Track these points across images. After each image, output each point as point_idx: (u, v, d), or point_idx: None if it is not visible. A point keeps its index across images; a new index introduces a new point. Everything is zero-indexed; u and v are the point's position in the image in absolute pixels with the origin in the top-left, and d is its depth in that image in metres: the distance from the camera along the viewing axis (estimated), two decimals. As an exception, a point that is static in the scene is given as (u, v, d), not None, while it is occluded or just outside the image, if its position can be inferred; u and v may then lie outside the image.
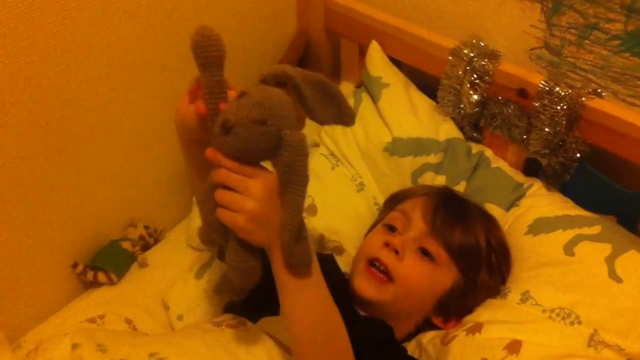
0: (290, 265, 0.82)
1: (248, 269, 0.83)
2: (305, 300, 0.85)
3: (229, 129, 0.77)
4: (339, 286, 1.07)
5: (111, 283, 1.26)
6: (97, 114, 1.17)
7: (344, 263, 1.19)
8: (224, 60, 0.81)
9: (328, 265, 1.14)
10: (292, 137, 0.77)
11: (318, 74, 0.83)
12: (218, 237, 0.85)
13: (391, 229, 1.11)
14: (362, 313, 1.07)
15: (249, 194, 0.79)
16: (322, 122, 0.87)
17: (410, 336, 1.12)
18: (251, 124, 0.77)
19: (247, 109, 0.77)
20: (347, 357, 0.89)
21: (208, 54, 0.79)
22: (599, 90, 1.15)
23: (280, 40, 1.49)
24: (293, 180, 0.79)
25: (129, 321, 1.18)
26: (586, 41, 1.14)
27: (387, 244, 1.06)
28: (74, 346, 0.96)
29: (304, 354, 0.87)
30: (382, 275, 1.05)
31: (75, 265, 1.24)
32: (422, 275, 1.05)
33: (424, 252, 1.06)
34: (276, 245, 0.82)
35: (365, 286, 1.05)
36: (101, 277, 1.25)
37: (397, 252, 1.05)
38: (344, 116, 0.87)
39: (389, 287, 1.04)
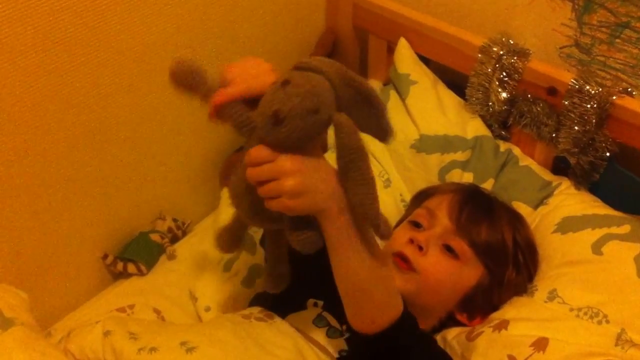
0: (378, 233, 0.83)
1: (307, 237, 0.84)
2: (356, 257, 0.84)
3: (282, 120, 0.77)
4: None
5: (140, 274, 1.27)
6: (128, 108, 1.19)
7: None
8: (202, 80, 0.85)
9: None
10: (342, 119, 0.77)
11: (364, 79, 0.81)
12: (270, 224, 0.88)
13: (416, 225, 1.11)
14: None
15: (282, 175, 0.79)
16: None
17: (434, 332, 1.12)
18: (306, 114, 0.76)
19: (298, 99, 0.76)
20: (396, 300, 0.89)
21: (187, 86, 0.85)
22: (629, 89, 1.14)
23: (309, 37, 1.49)
24: (355, 159, 0.79)
25: (157, 311, 1.20)
26: (617, 40, 1.14)
27: (411, 240, 1.07)
28: (106, 333, 0.97)
29: (354, 304, 0.88)
30: (406, 264, 1.05)
31: (105, 257, 1.26)
32: (445, 271, 1.06)
33: (448, 249, 1.06)
34: (328, 209, 0.81)
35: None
36: (131, 268, 1.26)
37: (421, 248, 1.06)
38: (381, 130, 0.84)
39: (413, 276, 1.04)
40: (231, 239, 0.98)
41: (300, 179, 0.79)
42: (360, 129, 0.82)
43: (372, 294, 0.86)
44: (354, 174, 0.79)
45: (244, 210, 0.88)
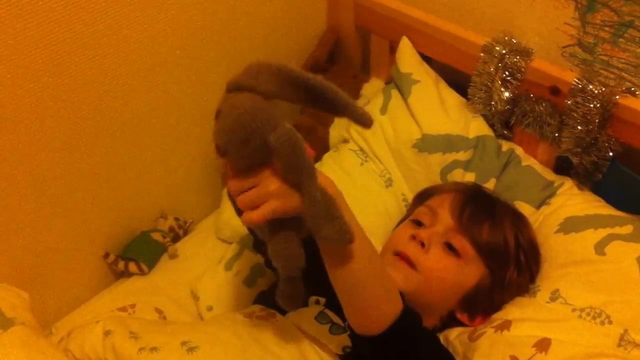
0: (327, 246, 0.82)
1: (291, 254, 0.82)
2: (349, 253, 0.83)
3: (224, 153, 0.77)
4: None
5: (142, 273, 1.27)
6: (130, 106, 1.19)
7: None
8: None
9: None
10: (277, 140, 0.75)
11: (311, 75, 0.76)
12: (262, 236, 0.86)
13: (418, 223, 1.11)
14: None
15: (264, 179, 0.78)
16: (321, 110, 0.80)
17: (435, 331, 1.11)
18: (239, 145, 0.76)
19: (226, 135, 0.76)
20: (395, 297, 0.88)
21: None
22: (632, 89, 1.14)
23: (310, 36, 1.49)
24: (301, 180, 0.77)
25: (159, 311, 1.20)
26: (620, 39, 1.13)
27: (413, 237, 1.06)
28: (106, 333, 0.97)
29: (354, 304, 0.87)
30: (407, 264, 1.05)
31: (106, 256, 1.26)
32: (446, 269, 1.05)
33: (450, 247, 1.06)
34: None
35: (392, 275, 1.05)
36: (132, 267, 1.26)
37: (423, 245, 1.05)
38: (355, 119, 0.79)
39: (414, 275, 1.04)
40: None
41: (282, 180, 0.78)
42: (337, 116, 0.80)
43: (370, 288, 0.85)
44: (304, 190, 0.78)
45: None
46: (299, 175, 0.77)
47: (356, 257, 0.82)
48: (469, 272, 1.07)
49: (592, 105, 1.12)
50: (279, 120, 0.77)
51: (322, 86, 0.76)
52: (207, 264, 1.27)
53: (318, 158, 1.36)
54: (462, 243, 1.06)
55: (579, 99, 1.13)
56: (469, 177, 1.26)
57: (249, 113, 0.75)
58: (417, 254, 1.05)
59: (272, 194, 0.78)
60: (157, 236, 1.31)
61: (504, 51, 1.22)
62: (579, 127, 1.14)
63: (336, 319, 1.03)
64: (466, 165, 1.27)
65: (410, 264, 1.04)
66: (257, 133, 0.75)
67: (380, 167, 1.32)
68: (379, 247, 1.21)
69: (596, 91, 1.11)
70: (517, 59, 1.20)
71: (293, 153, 0.76)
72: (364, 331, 0.87)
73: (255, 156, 0.77)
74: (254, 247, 1.14)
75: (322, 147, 1.39)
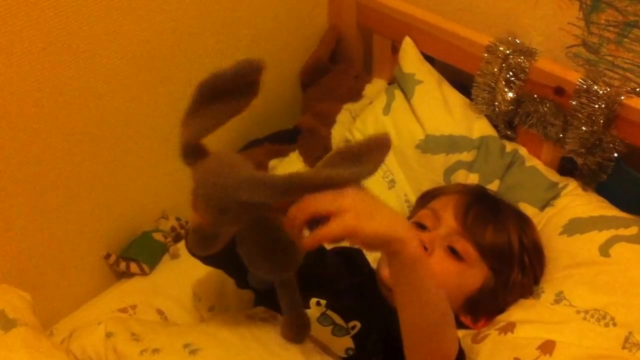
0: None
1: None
2: (433, 292, 0.79)
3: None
4: (367, 280, 1.08)
5: (143, 274, 1.27)
6: (131, 105, 1.18)
7: (372, 258, 1.19)
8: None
9: (357, 259, 1.14)
10: (250, 197, 0.70)
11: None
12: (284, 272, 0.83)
13: (421, 226, 1.10)
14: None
15: (339, 196, 0.71)
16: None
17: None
18: (224, 221, 0.75)
19: (208, 217, 0.75)
20: (456, 338, 0.86)
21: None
22: (637, 89, 1.13)
23: (312, 35, 1.49)
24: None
25: (160, 312, 1.19)
26: (625, 39, 1.13)
27: None
28: (108, 335, 0.97)
29: (429, 347, 0.84)
30: None
31: (108, 256, 1.26)
32: (449, 273, 1.05)
33: (453, 251, 1.05)
34: (408, 240, 0.74)
35: None
36: (133, 267, 1.26)
37: (425, 249, 1.05)
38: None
39: None
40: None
41: (360, 199, 0.72)
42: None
43: (447, 329, 0.83)
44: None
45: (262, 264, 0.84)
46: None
47: (430, 301, 0.79)
48: (472, 275, 1.06)
49: (596, 106, 1.12)
50: (242, 169, 0.73)
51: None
52: (209, 264, 1.27)
53: (320, 159, 1.35)
54: (465, 247, 1.05)
55: (583, 100, 1.13)
56: (473, 178, 1.26)
57: (209, 184, 0.73)
58: None
59: (347, 208, 0.72)
60: (158, 236, 1.30)
61: (507, 51, 1.21)
62: (584, 128, 1.14)
63: (338, 320, 1.03)
64: (470, 166, 1.26)
65: None
66: (227, 200, 0.72)
67: (383, 168, 1.31)
68: (381, 248, 1.20)
69: (601, 91, 1.11)
70: (521, 59, 1.20)
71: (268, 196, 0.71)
72: None
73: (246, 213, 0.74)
74: (238, 286, 1.13)
75: (324, 148, 1.38)
